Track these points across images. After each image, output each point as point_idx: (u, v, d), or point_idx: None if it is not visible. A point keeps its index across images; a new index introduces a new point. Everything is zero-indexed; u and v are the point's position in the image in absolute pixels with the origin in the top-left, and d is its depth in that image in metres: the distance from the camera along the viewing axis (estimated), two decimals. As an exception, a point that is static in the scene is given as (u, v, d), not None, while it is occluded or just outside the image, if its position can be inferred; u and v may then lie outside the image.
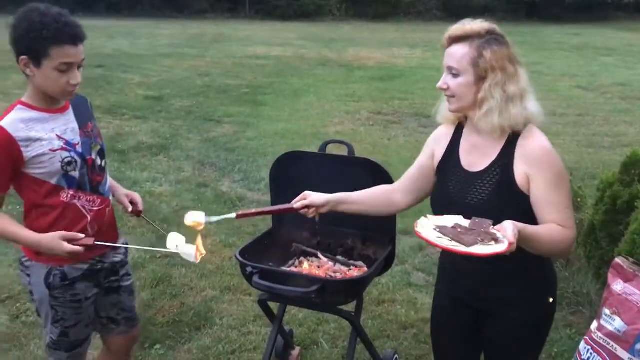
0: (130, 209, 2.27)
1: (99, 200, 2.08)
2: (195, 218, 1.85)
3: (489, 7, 24.76)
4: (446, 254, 2.03)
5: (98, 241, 1.98)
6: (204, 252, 1.87)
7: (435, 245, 1.56)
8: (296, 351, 2.99)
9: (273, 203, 2.62)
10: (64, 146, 1.96)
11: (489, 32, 1.76)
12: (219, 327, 3.23)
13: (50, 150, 1.92)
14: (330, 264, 2.46)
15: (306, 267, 2.43)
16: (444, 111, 1.92)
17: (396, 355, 2.89)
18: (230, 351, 3.03)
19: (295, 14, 22.86)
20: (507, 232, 1.54)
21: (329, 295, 2.11)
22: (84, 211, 2.03)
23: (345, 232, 2.55)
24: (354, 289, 2.26)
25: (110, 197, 2.18)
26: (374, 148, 6.76)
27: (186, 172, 5.86)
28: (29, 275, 2.08)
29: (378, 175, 2.23)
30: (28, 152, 1.89)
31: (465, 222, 1.66)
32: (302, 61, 13.02)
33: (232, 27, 19.15)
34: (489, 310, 1.92)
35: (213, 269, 3.84)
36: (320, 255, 2.51)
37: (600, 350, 1.70)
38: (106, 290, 2.21)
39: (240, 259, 2.18)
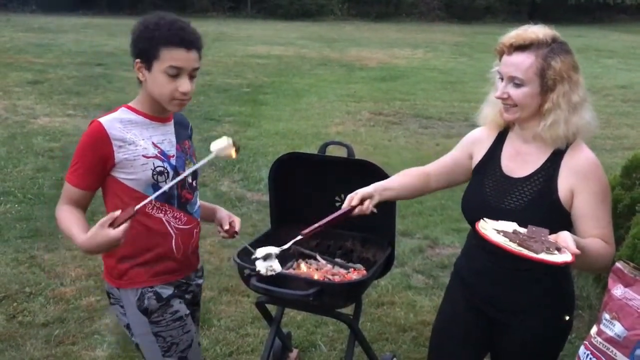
0: (226, 227, 2.07)
1: (186, 218, 1.94)
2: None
3: (491, 8, 24.71)
4: (465, 259, 2.02)
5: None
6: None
7: (505, 249, 1.53)
8: (294, 353, 2.97)
9: (272, 204, 2.62)
10: (159, 155, 1.87)
11: (554, 40, 1.72)
12: (216, 329, 3.22)
13: (144, 156, 1.83)
14: (329, 266, 2.45)
15: (304, 269, 2.41)
16: (492, 116, 1.88)
17: (395, 358, 2.88)
18: (228, 353, 3.02)
19: (297, 13, 22.82)
20: (568, 243, 1.53)
21: (327, 298, 2.10)
22: (169, 227, 1.89)
23: (344, 234, 2.53)
24: (353, 291, 2.25)
25: (199, 219, 2.03)
26: (374, 149, 6.74)
27: (186, 171, 5.84)
28: (122, 307, 1.92)
29: (377, 177, 2.21)
30: (120, 153, 1.79)
31: (521, 229, 1.63)
32: (304, 61, 13.00)
33: (234, 26, 19.11)
34: (505, 320, 1.89)
35: (211, 270, 3.82)
36: (319, 258, 2.49)
37: (600, 356, 1.68)
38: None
39: (239, 260, 2.17)
